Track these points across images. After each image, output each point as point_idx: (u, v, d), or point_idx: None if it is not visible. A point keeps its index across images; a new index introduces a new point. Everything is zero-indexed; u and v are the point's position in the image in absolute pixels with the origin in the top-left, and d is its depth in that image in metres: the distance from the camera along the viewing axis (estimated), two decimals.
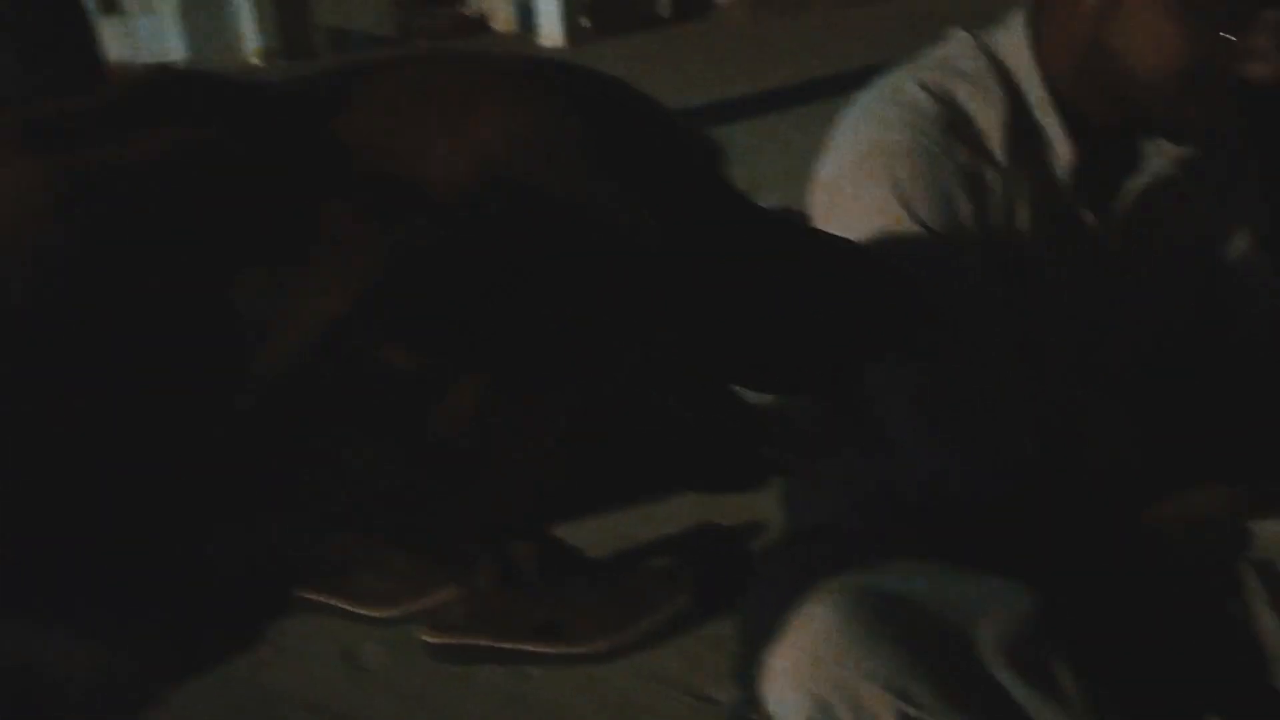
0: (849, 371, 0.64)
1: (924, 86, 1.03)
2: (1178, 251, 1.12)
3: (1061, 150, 1.02)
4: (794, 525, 1.19)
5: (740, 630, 0.96)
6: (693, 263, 0.54)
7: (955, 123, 1.01)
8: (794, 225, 0.63)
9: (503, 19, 9.62)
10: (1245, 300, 1.17)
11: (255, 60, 8.29)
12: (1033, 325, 1.07)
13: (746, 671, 0.92)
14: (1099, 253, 1.08)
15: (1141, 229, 1.08)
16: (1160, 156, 1.05)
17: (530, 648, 1.37)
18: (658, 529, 1.63)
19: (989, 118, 1.02)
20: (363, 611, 1.41)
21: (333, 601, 1.42)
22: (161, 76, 0.51)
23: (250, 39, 8.52)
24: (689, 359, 0.55)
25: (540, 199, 0.51)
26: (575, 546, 1.50)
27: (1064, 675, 0.92)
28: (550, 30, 8.74)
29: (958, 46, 1.07)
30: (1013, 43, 1.04)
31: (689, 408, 0.57)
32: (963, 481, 1.02)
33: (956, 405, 1.02)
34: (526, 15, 8.94)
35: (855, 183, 1.04)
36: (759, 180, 2.38)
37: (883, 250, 1.02)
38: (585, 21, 8.61)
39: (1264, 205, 1.19)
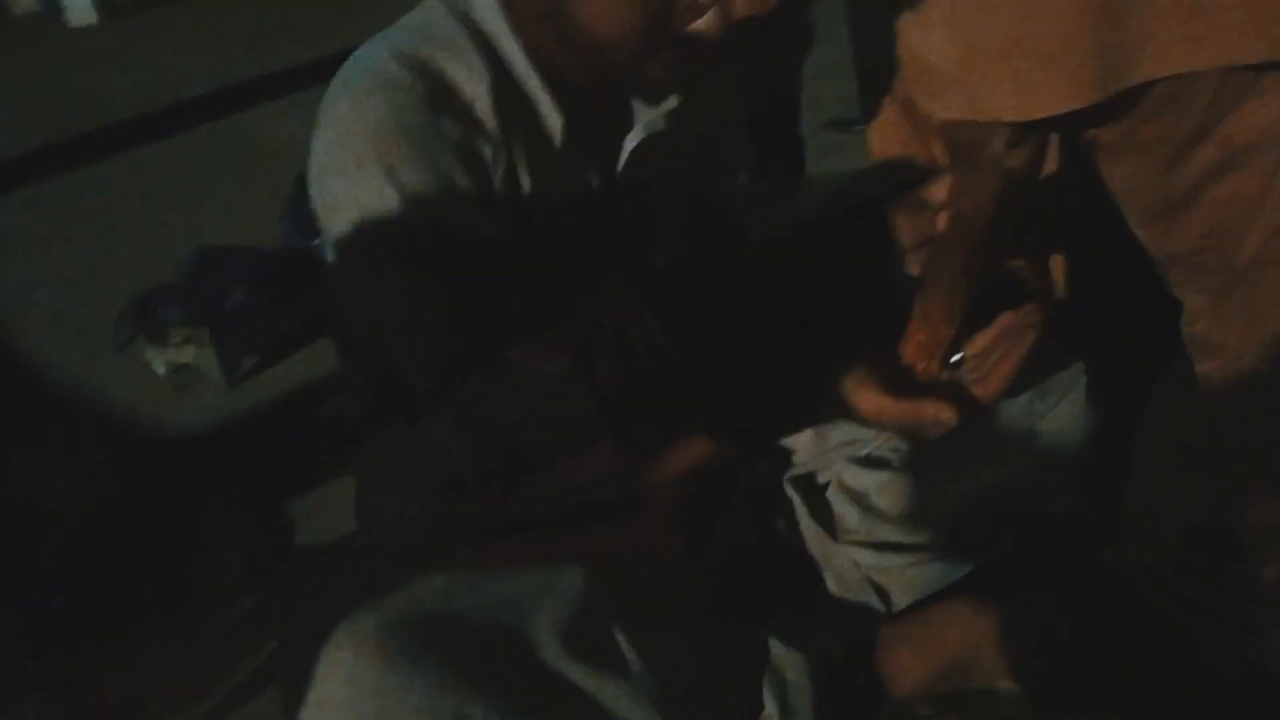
0: None
1: (399, 58, 0.93)
2: (682, 197, 1.15)
3: (550, 116, 0.99)
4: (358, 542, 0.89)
5: (280, 683, 0.73)
6: None
7: (438, 94, 0.93)
8: None
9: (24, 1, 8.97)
10: (745, 231, 1.23)
11: None
12: (548, 286, 1.00)
13: None
14: (607, 210, 1.07)
15: (644, 181, 1.10)
16: (652, 112, 1.05)
17: None
18: None
19: (473, 86, 0.95)
20: None
21: None
22: None
23: None
24: None
25: None
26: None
27: (622, 641, 0.90)
28: (79, 8, 8.83)
29: (431, 12, 0.98)
30: (486, 7, 0.98)
31: None
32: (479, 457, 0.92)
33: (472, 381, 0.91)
34: None
35: (344, 169, 0.91)
36: None
37: (380, 236, 0.90)
38: None
39: (752, 145, 1.25)
